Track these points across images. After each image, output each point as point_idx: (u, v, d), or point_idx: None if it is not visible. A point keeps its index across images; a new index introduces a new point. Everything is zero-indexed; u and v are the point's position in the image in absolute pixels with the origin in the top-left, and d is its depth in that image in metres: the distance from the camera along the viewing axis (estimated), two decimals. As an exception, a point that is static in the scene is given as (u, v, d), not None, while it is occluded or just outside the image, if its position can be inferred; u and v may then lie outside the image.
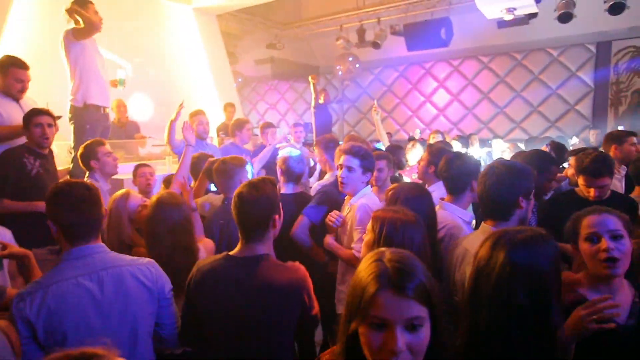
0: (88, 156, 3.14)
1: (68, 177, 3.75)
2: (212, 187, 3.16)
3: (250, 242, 1.67)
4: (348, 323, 0.96)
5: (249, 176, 3.51)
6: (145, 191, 3.58)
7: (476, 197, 2.31)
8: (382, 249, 1.00)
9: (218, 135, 6.01)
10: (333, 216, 2.41)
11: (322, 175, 3.95)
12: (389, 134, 10.29)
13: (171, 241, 1.95)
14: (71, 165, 3.86)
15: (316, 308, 1.72)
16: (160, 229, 1.96)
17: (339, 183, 2.51)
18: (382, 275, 0.91)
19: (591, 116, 8.40)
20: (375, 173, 2.92)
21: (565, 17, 6.46)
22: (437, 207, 2.19)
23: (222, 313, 1.61)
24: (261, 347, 1.60)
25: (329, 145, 3.40)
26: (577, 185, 2.61)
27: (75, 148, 3.87)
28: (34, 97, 3.57)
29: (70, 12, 3.68)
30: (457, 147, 5.28)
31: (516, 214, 1.81)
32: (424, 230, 1.68)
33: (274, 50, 9.67)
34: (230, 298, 1.60)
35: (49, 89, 3.87)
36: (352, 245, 2.31)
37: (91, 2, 3.88)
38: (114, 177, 3.43)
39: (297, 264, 1.76)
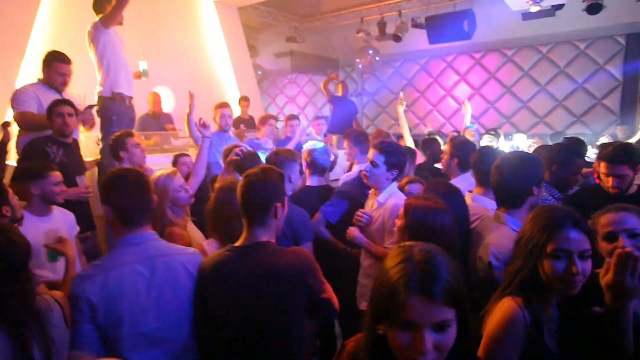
0: (117, 147, 3.22)
1: (96, 168, 3.86)
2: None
3: (251, 227, 1.69)
4: (375, 323, 1.00)
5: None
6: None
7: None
8: (411, 243, 1.02)
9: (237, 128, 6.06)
10: (359, 215, 2.46)
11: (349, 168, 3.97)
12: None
13: (228, 228, 1.97)
14: (99, 157, 3.96)
15: (327, 292, 1.71)
16: (229, 213, 1.97)
17: (363, 176, 2.54)
18: (412, 279, 0.93)
19: (619, 111, 8.16)
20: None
21: (594, 8, 6.26)
22: (466, 198, 2.24)
23: (228, 303, 1.63)
24: (270, 334, 1.61)
25: (359, 139, 3.42)
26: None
27: (103, 139, 3.97)
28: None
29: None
30: (486, 141, 5.21)
31: (527, 201, 1.90)
32: (453, 216, 1.72)
33: (293, 43, 9.65)
34: (234, 287, 1.62)
35: (81, 81, 3.96)
36: (386, 245, 2.33)
37: None
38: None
39: (299, 248, 1.81)
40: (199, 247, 2.02)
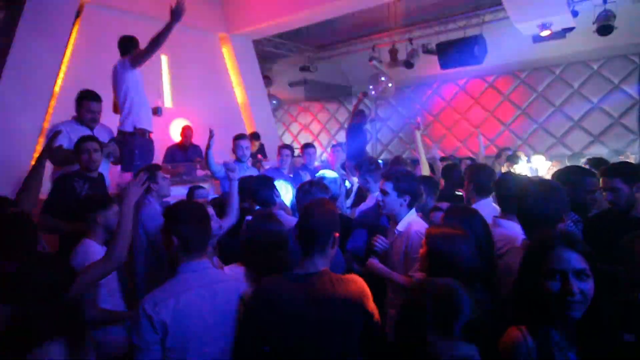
0: (147, 179, 3.31)
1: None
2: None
3: (310, 256, 1.77)
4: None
5: (289, 197, 3.59)
6: None
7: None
8: None
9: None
10: (375, 240, 2.47)
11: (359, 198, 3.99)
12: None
13: (265, 257, 2.06)
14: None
15: (377, 316, 1.78)
16: (258, 246, 2.08)
17: (379, 206, 2.57)
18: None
19: (638, 129, 8.06)
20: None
21: (605, 30, 6.30)
22: (491, 224, 2.22)
23: (289, 329, 1.67)
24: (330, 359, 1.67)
25: (369, 168, 3.45)
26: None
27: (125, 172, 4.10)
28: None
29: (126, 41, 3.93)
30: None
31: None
32: (474, 242, 1.74)
33: (307, 72, 9.88)
34: (297, 315, 1.67)
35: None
36: (410, 273, 2.30)
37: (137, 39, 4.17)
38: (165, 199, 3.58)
39: (355, 275, 1.85)
40: None
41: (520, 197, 1.96)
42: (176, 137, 6.16)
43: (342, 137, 10.27)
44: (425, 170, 4.36)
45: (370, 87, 9.12)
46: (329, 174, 3.17)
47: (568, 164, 6.05)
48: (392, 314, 2.41)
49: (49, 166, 3.66)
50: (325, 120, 12.40)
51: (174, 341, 1.60)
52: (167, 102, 6.18)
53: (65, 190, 3.19)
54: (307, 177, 4.22)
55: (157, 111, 4.68)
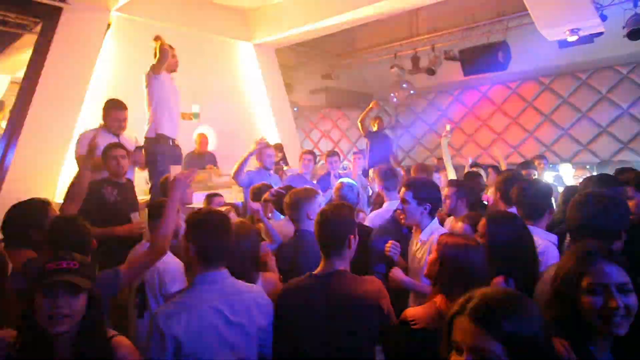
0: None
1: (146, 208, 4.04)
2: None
3: (329, 258, 1.87)
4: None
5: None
6: None
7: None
8: None
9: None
10: (388, 246, 2.47)
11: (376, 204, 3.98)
12: (441, 159, 10.11)
13: (237, 269, 2.01)
14: (149, 196, 4.15)
15: (393, 316, 1.83)
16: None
17: (398, 216, 2.56)
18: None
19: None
20: (447, 202, 2.95)
21: (635, 34, 6.14)
22: None
23: (308, 326, 1.76)
24: (346, 357, 1.72)
25: (386, 175, 3.44)
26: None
27: (150, 178, 4.17)
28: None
29: (157, 40, 4.02)
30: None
31: (614, 246, 1.74)
32: (483, 254, 1.71)
33: (328, 80, 9.91)
34: (315, 312, 1.76)
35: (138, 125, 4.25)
36: None
37: (172, 48, 4.26)
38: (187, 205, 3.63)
39: (373, 277, 1.92)
40: None
41: (573, 207, 1.88)
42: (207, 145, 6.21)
43: (362, 144, 10.25)
44: (451, 177, 4.33)
45: (392, 94, 9.11)
46: (347, 180, 3.18)
47: (596, 172, 5.91)
48: None
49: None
50: (346, 127, 12.40)
51: (187, 355, 1.58)
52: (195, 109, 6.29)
53: (93, 197, 3.28)
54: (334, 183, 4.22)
55: (193, 116, 4.77)
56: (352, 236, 1.89)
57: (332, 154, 5.25)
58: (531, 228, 2.29)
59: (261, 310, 1.77)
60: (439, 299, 1.64)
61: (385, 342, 1.83)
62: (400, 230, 2.78)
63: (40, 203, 2.40)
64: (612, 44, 7.08)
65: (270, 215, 3.33)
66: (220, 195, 4.03)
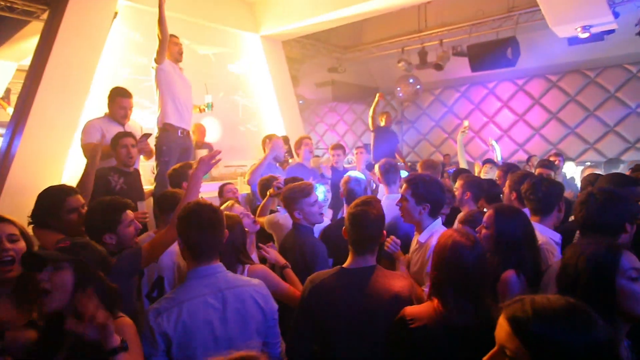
0: (179, 178, 3.35)
1: (151, 197, 4.04)
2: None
3: (362, 254, 1.85)
4: None
5: (321, 198, 3.59)
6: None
7: (561, 219, 2.40)
8: None
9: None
10: (388, 241, 2.36)
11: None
12: (447, 155, 10.11)
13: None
14: (153, 186, 4.15)
15: None
16: None
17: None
18: None
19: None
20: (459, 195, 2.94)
21: (646, 32, 6.07)
22: None
23: (342, 321, 1.74)
24: (379, 351, 1.70)
25: (387, 169, 3.42)
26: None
27: (157, 167, 4.17)
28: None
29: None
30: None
31: (621, 239, 1.79)
32: (480, 251, 1.64)
33: (334, 73, 9.87)
34: (349, 306, 1.74)
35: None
36: (424, 288, 2.16)
37: (175, 36, 4.23)
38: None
39: (403, 272, 1.97)
40: None
41: (578, 205, 1.92)
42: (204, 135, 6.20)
43: (367, 138, 10.22)
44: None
45: (398, 88, 9.06)
46: (354, 173, 3.16)
47: (604, 168, 5.87)
48: None
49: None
50: (352, 121, 12.37)
51: (180, 352, 1.54)
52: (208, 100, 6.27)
53: (100, 185, 3.28)
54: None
55: (207, 107, 4.77)
56: (384, 231, 1.93)
57: (336, 147, 5.21)
58: (537, 225, 2.29)
59: (259, 304, 1.70)
60: (434, 298, 1.62)
61: (387, 338, 1.82)
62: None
63: (59, 191, 2.43)
64: (622, 42, 7.02)
65: (278, 208, 3.33)
66: (231, 183, 4.07)
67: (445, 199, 2.48)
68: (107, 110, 3.93)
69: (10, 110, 7.06)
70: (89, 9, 4.97)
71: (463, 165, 4.34)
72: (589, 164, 7.12)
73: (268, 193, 3.32)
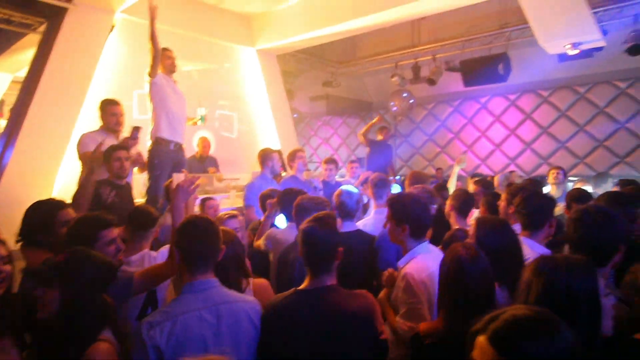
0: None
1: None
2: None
3: (318, 274, 1.76)
4: None
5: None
6: None
7: (552, 234, 2.38)
8: None
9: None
10: (385, 274, 2.22)
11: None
12: (439, 169, 10.18)
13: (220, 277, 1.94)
14: (144, 199, 4.14)
15: (385, 333, 1.77)
16: None
17: None
18: None
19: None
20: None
21: (635, 50, 6.21)
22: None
23: (300, 345, 1.65)
24: None
25: (377, 183, 3.43)
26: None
27: (148, 181, 4.17)
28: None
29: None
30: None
31: (613, 260, 1.77)
32: (482, 265, 1.63)
33: (329, 87, 9.95)
34: (306, 330, 1.65)
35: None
36: (397, 317, 2.03)
37: (168, 49, 4.27)
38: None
39: (365, 291, 1.82)
40: None
41: (572, 223, 1.88)
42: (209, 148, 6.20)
43: (361, 152, 10.27)
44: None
45: (392, 103, 9.15)
46: (346, 187, 3.15)
47: (593, 183, 5.93)
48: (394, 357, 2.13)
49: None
50: (346, 134, 12.44)
51: None
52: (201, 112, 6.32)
53: (90, 198, 3.27)
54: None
55: (200, 120, 4.80)
56: (340, 248, 1.79)
57: (329, 161, 5.23)
58: (526, 240, 2.28)
59: (253, 322, 1.68)
60: (441, 314, 1.62)
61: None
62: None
63: (49, 205, 2.35)
64: (611, 59, 7.16)
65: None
66: (213, 199, 4.04)
67: (427, 219, 2.23)
68: (100, 122, 3.94)
69: (2, 122, 7.03)
70: (87, 21, 5.00)
71: (452, 189, 4.35)
72: (577, 179, 7.19)
73: (269, 207, 3.27)
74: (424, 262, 2.05)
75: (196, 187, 2.14)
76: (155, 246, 2.58)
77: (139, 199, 4.16)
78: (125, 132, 3.97)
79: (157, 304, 2.25)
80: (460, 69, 7.81)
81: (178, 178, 2.32)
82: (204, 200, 3.95)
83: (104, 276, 1.61)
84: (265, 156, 4.53)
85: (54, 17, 4.91)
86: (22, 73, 6.04)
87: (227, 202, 4.99)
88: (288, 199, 2.95)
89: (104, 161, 3.48)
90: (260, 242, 3.04)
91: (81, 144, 3.77)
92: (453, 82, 8.51)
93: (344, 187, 3.10)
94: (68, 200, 2.93)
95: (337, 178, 5.68)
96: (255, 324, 1.69)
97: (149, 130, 4.22)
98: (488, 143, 9.99)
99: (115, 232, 2.13)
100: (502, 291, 1.83)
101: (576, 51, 5.86)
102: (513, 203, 2.55)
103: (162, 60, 4.11)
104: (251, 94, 7.49)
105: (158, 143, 4.15)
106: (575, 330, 0.96)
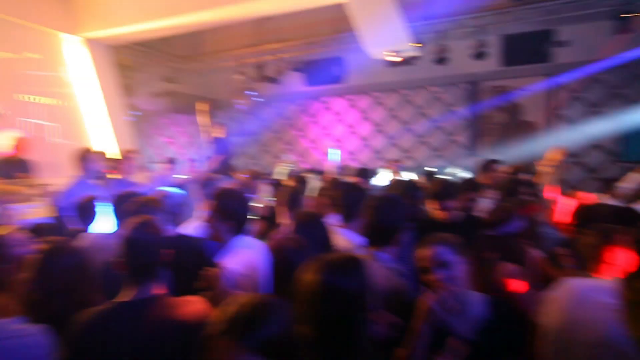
0: None
1: None
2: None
3: (141, 283, 1.59)
4: None
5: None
6: None
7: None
8: None
9: None
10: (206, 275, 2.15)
11: None
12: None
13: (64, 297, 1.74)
14: None
15: None
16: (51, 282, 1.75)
17: None
18: None
19: (471, 146, 9.47)
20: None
21: (440, 60, 7.35)
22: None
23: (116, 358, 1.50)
24: None
25: (205, 184, 3.40)
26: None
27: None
28: None
29: None
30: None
31: (395, 238, 2.07)
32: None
33: (172, 83, 9.48)
34: (123, 346, 1.49)
35: None
36: None
37: None
38: None
39: (198, 297, 1.70)
40: None
41: (367, 210, 2.15)
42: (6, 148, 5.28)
43: (207, 150, 10.05)
44: None
45: (235, 100, 9.19)
46: (172, 190, 3.01)
47: (414, 174, 6.87)
48: None
49: None
50: (191, 133, 12.00)
51: None
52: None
53: None
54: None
55: None
56: (167, 251, 1.67)
57: (166, 161, 5.04)
58: (343, 230, 2.52)
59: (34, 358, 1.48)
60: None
61: None
62: None
63: None
64: (426, 67, 8.32)
65: None
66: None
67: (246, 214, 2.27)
68: None
69: None
70: None
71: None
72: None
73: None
74: (243, 256, 2.06)
75: None
76: None
77: None
78: None
79: None
80: (301, 69, 8.22)
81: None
82: None
83: None
84: (82, 158, 4.05)
85: None
86: None
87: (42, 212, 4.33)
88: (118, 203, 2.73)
89: None
90: None
91: None
92: (297, 82, 8.88)
93: (166, 188, 2.95)
94: None
95: (183, 177, 5.46)
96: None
97: None
98: (331, 140, 10.73)
99: None
100: None
101: (395, 58, 6.66)
102: (330, 197, 2.79)
103: None
104: (77, 87, 6.70)
105: None
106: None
